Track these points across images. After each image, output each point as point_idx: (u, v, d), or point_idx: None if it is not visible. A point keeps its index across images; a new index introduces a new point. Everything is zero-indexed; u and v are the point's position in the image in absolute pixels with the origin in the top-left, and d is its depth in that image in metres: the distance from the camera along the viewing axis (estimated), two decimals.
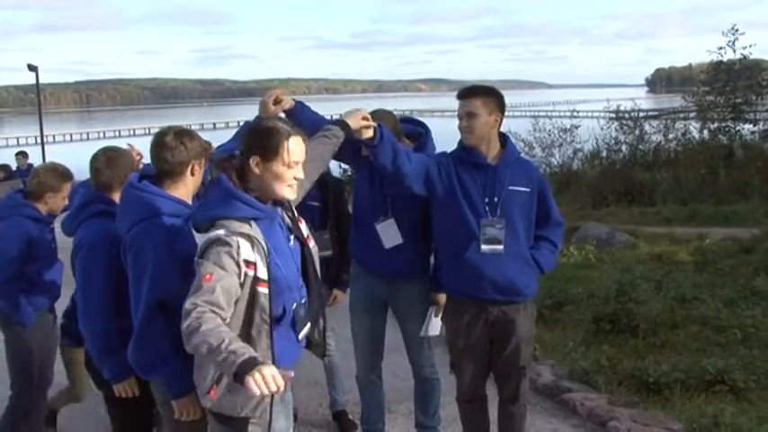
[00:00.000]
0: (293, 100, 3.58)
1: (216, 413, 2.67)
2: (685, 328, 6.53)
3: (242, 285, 2.48)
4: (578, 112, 25.94)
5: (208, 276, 2.40)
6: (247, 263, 2.48)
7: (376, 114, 3.70)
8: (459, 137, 3.64)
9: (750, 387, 5.18)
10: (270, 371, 2.15)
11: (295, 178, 2.65)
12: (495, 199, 3.54)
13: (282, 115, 3.52)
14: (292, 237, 2.77)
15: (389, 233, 3.91)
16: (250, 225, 2.53)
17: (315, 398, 5.12)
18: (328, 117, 3.68)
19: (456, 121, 3.61)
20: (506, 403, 3.86)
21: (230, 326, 2.47)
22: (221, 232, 2.48)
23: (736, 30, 19.65)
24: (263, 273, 2.52)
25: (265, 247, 2.54)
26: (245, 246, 2.48)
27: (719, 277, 8.52)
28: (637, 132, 21.41)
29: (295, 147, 2.63)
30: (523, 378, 3.80)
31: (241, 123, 3.87)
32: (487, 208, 3.54)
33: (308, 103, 3.65)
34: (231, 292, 2.44)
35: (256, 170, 2.62)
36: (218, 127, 64.77)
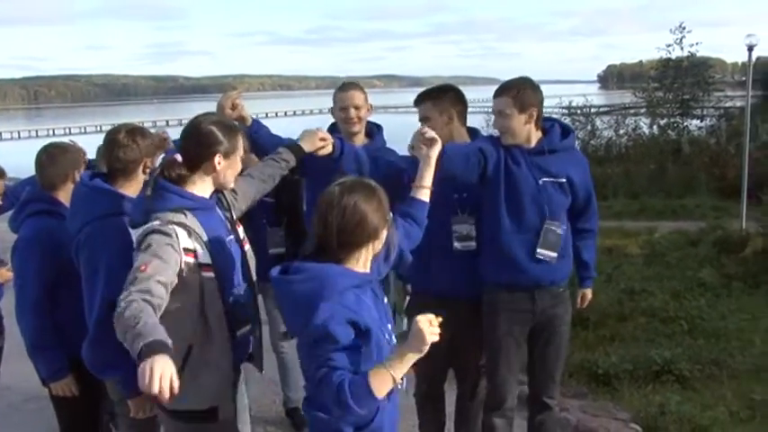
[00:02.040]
0: (251, 118, 3.47)
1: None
2: (634, 320, 6.70)
3: (182, 272, 2.44)
4: None
5: (143, 267, 2.32)
6: (186, 250, 2.46)
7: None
8: (410, 132, 3.64)
9: (695, 376, 5.35)
10: (160, 367, 1.96)
11: None
12: (465, 195, 3.50)
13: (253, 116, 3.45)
14: (232, 236, 2.74)
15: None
16: (185, 215, 2.51)
17: (268, 395, 5.11)
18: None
19: (407, 117, 3.63)
20: (464, 399, 3.91)
21: (185, 326, 2.48)
22: (156, 223, 2.46)
23: (684, 27, 20.18)
24: (205, 258, 2.51)
25: (204, 237, 2.53)
26: (182, 234, 2.47)
27: (668, 269, 8.76)
28: (588, 128, 21.83)
29: None
30: (482, 378, 3.84)
31: None
32: (458, 205, 3.50)
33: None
34: (167, 281, 2.35)
35: (218, 167, 2.62)
36: (172, 124, 63.73)
